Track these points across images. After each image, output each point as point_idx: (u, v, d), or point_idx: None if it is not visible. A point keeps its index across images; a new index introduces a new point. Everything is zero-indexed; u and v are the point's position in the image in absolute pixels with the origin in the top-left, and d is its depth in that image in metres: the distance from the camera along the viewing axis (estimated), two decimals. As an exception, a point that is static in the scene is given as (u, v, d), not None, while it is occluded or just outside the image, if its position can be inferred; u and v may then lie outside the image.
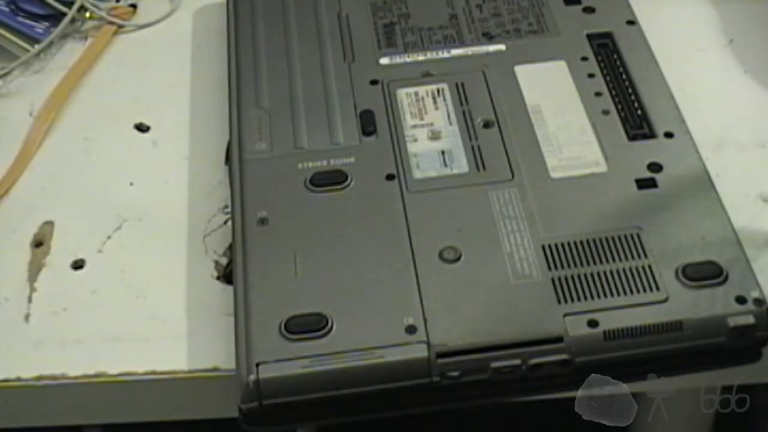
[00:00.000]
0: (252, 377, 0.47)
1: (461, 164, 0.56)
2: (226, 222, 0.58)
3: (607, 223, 0.53)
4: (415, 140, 0.58)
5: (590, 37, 0.63)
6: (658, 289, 0.50)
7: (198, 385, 0.52)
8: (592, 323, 0.49)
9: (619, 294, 0.50)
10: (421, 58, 0.63)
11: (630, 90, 0.60)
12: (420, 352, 0.48)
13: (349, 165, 0.56)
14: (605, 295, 0.50)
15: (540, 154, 0.56)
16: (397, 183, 0.55)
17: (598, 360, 0.49)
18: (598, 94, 0.60)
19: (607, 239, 0.52)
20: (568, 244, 0.52)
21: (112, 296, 0.55)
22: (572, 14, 0.65)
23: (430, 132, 0.58)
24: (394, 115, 0.59)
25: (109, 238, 0.58)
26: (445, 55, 0.63)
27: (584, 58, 0.62)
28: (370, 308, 0.50)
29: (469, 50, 0.63)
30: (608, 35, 0.63)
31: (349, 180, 0.56)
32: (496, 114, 0.59)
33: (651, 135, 0.57)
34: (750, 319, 0.49)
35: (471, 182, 0.55)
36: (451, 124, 0.58)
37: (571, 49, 0.63)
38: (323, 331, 0.49)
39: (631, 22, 0.64)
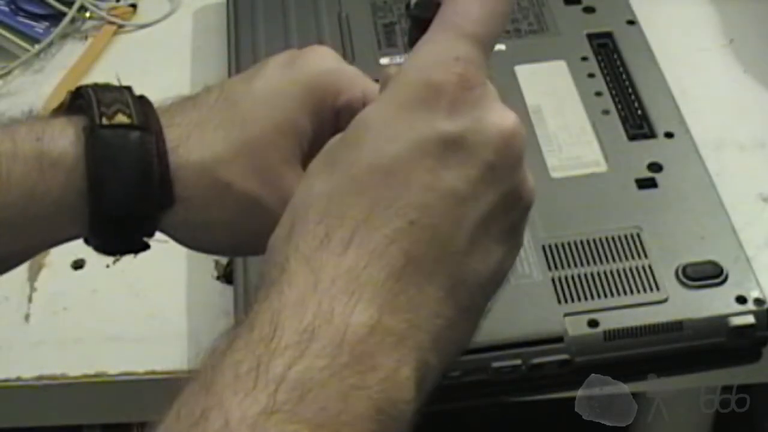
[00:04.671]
0: (252, 377, 0.47)
1: (461, 164, 0.56)
2: (226, 222, 0.57)
3: (607, 223, 0.53)
4: (415, 140, 0.57)
5: (590, 37, 0.63)
6: (658, 289, 0.50)
7: (198, 385, 0.52)
8: (592, 323, 0.49)
9: (619, 294, 0.50)
10: (421, 58, 0.63)
11: (630, 90, 0.60)
12: (420, 352, 0.48)
13: (349, 165, 0.56)
14: (605, 295, 0.50)
15: (540, 154, 0.56)
16: (397, 183, 0.55)
17: (598, 360, 0.49)
18: (598, 94, 0.60)
19: (607, 239, 0.52)
20: (568, 244, 0.52)
21: (112, 296, 0.55)
22: (572, 14, 0.65)
23: (430, 132, 0.58)
24: (394, 115, 0.59)
25: (109, 238, 0.57)
26: (445, 55, 0.63)
27: (584, 58, 0.62)
28: (370, 308, 0.49)
29: (469, 50, 0.63)
30: (608, 35, 0.63)
31: (349, 180, 0.55)
32: (496, 114, 0.59)
33: (651, 135, 0.57)
34: (750, 319, 0.49)
35: (471, 182, 0.55)
36: (451, 124, 0.58)
37: (571, 49, 0.62)
38: (323, 331, 0.49)
39: (631, 22, 0.64)
